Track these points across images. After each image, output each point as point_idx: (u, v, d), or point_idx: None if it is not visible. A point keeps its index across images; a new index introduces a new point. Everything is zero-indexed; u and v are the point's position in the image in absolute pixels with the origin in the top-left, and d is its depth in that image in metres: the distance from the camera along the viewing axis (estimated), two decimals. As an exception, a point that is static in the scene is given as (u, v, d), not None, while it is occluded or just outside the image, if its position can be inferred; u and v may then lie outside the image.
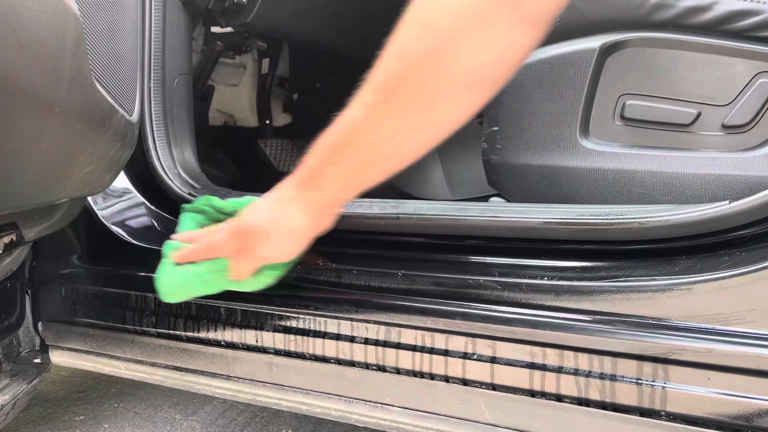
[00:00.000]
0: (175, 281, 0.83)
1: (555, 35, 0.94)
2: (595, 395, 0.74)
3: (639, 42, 0.92)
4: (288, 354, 0.93)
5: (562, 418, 0.76)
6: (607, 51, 0.93)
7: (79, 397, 1.54)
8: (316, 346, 0.90)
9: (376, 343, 0.86)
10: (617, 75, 0.94)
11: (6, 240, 0.84)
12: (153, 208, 1.15)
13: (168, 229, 1.12)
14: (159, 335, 1.04)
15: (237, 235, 0.78)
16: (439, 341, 0.82)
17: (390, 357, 0.85)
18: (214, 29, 1.50)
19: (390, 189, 1.52)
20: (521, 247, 0.83)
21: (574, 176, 0.97)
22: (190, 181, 1.11)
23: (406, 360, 0.84)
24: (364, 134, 0.66)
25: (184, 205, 0.95)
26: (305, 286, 0.91)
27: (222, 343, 0.98)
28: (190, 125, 1.22)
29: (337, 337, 0.89)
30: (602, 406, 0.74)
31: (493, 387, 0.79)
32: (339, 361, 0.89)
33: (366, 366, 0.87)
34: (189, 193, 1.07)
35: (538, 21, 0.59)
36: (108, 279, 1.11)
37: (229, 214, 0.87)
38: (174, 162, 1.13)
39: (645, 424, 0.72)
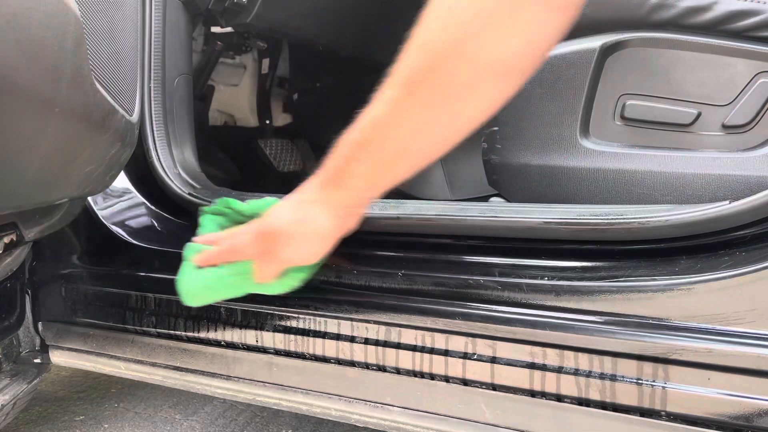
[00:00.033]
0: (198, 284, 0.82)
1: (555, 35, 0.94)
2: (595, 395, 0.74)
3: (639, 42, 0.92)
4: (288, 354, 0.93)
5: (563, 418, 0.76)
6: (607, 51, 0.93)
7: (79, 397, 1.54)
8: (317, 346, 0.90)
9: (377, 343, 0.86)
10: (617, 75, 0.94)
11: (6, 240, 0.84)
12: (153, 208, 1.15)
13: (168, 229, 1.12)
14: (159, 335, 1.04)
15: (260, 238, 0.77)
16: (440, 341, 0.82)
17: (390, 357, 0.85)
18: (214, 29, 1.50)
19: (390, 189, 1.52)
20: (521, 247, 0.83)
21: (574, 176, 0.97)
22: (190, 181, 1.11)
23: (406, 360, 0.84)
24: (389, 130, 0.64)
25: (204, 208, 0.93)
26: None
27: (222, 343, 0.98)
28: (190, 125, 1.22)
29: (338, 337, 0.89)
30: (602, 406, 0.74)
31: (494, 387, 0.79)
32: (339, 361, 0.89)
33: (366, 366, 0.87)
34: (189, 193, 1.07)
35: (567, 5, 0.57)
36: (108, 279, 1.11)
37: (250, 216, 0.86)
38: (174, 162, 1.13)
39: (645, 424, 0.72)
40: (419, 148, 0.66)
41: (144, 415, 1.45)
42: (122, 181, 1.15)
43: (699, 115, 0.90)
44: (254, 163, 1.92)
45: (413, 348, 0.84)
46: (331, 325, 0.89)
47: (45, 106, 0.64)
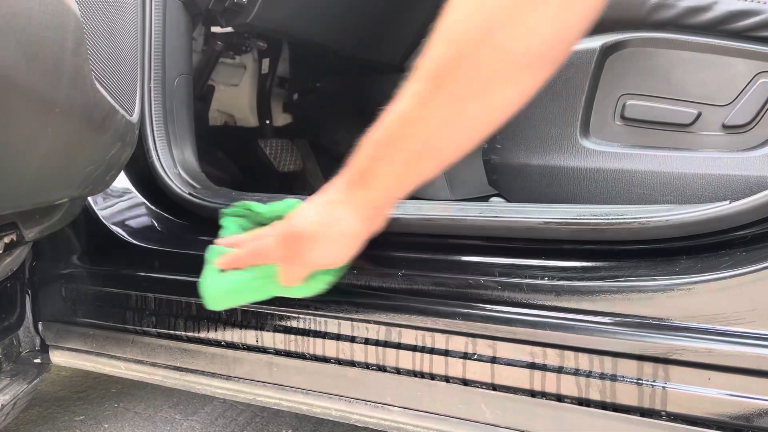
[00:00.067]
0: (222, 288, 0.80)
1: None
2: (595, 395, 0.74)
3: (639, 42, 0.92)
4: (288, 354, 0.93)
5: (563, 418, 0.76)
6: (607, 51, 0.93)
7: (79, 397, 1.54)
8: (317, 346, 0.90)
9: (377, 343, 0.86)
10: (617, 75, 0.94)
11: (6, 240, 0.84)
12: (153, 208, 1.14)
13: (168, 228, 1.12)
14: (159, 335, 1.04)
15: (285, 241, 0.74)
16: (440, 341, 0.82)
17: (390, 357, 0.85)
18: (214, 29, 1.50)
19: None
20: (521, 247, 0.83)
21: (574, 176, 0.97)
22: (191, 181, 1.11)
23: (406, 360, 0.84)
24: (416, 126, 0.62)
25: (224, 210, 0.91)
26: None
27: (222, 343, 0.98)
28: (190, 125, 1.22)
29: (338, 337, 0.89)
30: (603, 406, 0.74)
31: (494, 387, 0.79)
32: (339, 361, 0.89)
33: (366, 366, 0.87)
34: (189, 193, 1.07)
35: None
36: (108, 279, 1.11)
37: (270, 219, 0.84)
38: (174, 162, 1.13)
39: (645, 424, 0.72)
40: (446, 145, 0.64)
41: (144, 415, 1.45)
42: (122, 181, 1.15)
43: (699, 115, 0.90)
44: (254, 163, 1.92)
45: (413, 348, 0.84)
46: (332, 325, 0.89)
47: (45, 106, 0.64)
